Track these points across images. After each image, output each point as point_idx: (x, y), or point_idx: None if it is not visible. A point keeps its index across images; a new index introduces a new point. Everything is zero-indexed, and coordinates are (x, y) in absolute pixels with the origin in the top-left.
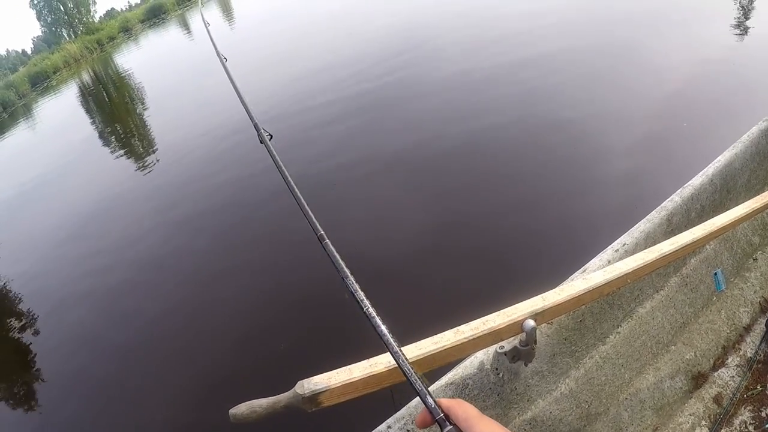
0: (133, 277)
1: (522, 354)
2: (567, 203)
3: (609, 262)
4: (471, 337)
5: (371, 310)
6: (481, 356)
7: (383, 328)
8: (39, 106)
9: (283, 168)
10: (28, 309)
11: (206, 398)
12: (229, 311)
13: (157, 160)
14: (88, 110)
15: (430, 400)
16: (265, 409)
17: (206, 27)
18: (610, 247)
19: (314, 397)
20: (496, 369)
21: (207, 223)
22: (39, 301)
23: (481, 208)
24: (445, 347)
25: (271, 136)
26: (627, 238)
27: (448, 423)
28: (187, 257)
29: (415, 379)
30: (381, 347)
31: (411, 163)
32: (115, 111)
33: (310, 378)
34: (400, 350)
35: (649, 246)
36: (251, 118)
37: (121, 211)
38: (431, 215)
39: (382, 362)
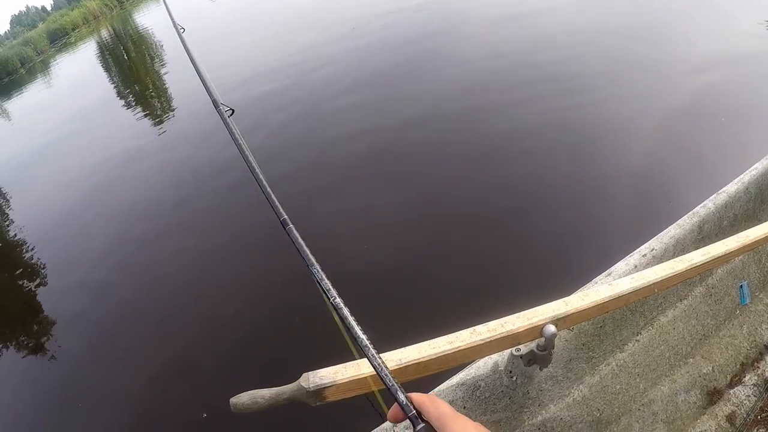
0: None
1: (538, 358)
2: (593, 202)
3: (636, 267)
4: (488, 339)
5: (339, 300)
6: (496, 357)
7: (351, 320)
8: (57, 62)
9: (245, 146)
10: (40, 260)
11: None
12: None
13: (174, 116)
14: (106, 67)
15: (401, 396)
16: (267, 401)
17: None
18: (637, 251)
19: (319, 392)
20: (510, 372)
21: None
22: (51, 252)
23: (503, 203)
24: (460, 348)
25: (233, 111)
26: (656, 243)
27: (420, 420)
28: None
29: (386, 374)
30: (394, 344)
31: (431, 150)
32: (133, 68)
33: (316, 371)
34: (366, 340)
35: (678, 253)
36: (209, 91)
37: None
38: (452, 207)
39: (393, 359)
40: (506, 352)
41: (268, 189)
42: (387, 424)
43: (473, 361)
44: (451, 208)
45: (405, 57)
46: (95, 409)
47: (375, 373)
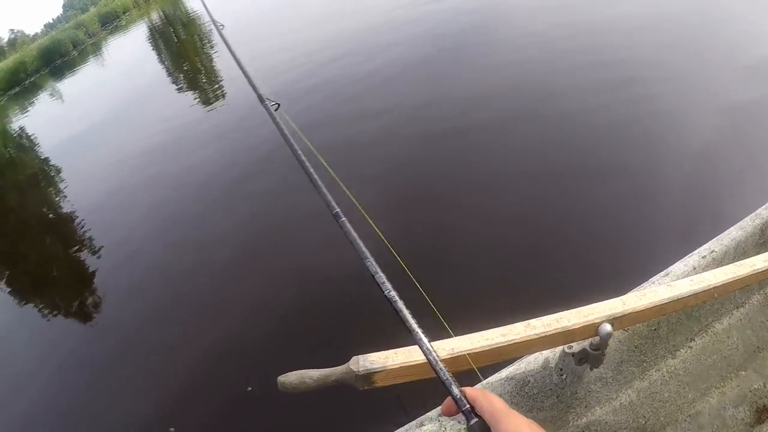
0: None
1: (590, 358)
2: (650, 198)
3: (694, 269)
4: (542, 334)
5: (393, 293)
6: (547, 354)
7: (406, 313)
8: (108, 45)
9: (290, 138)
10: (92, 233)
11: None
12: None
13: (224, 97)
14: (156, 50)
15: (456, 390)
16: (315, 382)
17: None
18: (696, 252)
19: (368, 376)
20: (561, 369)
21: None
22: (103, 226)
23: (561, 199)
24: (514, 341)
25: (278, 105)
26: (716, 245)
27: (473, 415)
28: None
29: (441, 367)
30: (448, 332)
31: (492, 135)
32: (183, 51)
33: (367, 355)
34: (421, 333)
35: (739, 257)
36: (254, 87)
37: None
38: (509, 201)
39: (445, 348)
40: (558, 349)
41: (320, 182)
42: (432, 413)
43: (524, 355)
44: (508, 202)
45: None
46: (143, 376)
47: (422, 361)
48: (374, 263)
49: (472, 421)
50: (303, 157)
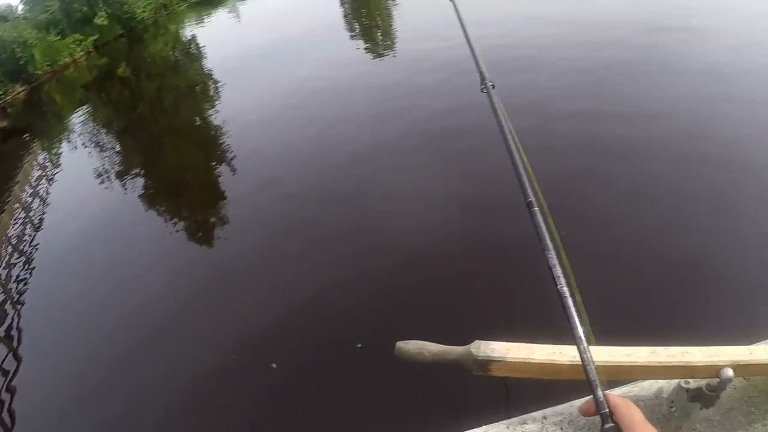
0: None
1: (704, 397)
2: None
3: None
4: (665, 364)
5: (565, 289)
6: (662, 383)
7: (576, 318)
8: None
9: (503, 121)
10: (236, 153)
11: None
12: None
13: (395, 57)
14: None
15: (600, 393)
16: (433, 356)
17: None
18: None
19: (486, 363)
20: (672, 402)
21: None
22: (248, 149)
23: (705, 237)
24: (636, 363)
25: (494, 86)
26: None
27: (610, 420)
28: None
29: (591, 368)
30: (567, 337)
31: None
32: None
33: (489, 342)
34: (581, 331)
35: None
36: (477, 65)
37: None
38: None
39: (567, 354)
40: (674, 382)
41: (521, 168)
42: (537, 414)
43: (641, 380)
44: (665, 239)
45: None
46: (254, 301)
47: (547, 361)
48: (555, 256)
49: (607, 425)
50: (511, 142)
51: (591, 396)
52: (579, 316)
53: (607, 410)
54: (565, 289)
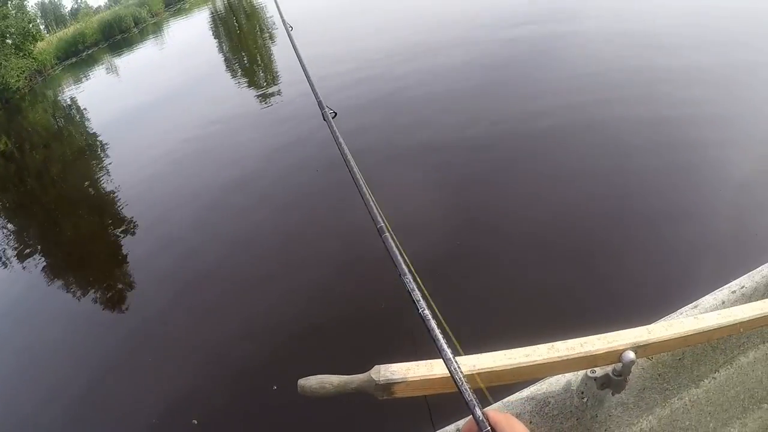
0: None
1: (612, 383)
2: (683, 229)
3: (723, 303)
4: (565, 357)
5: (427, 312)
6: (569, 376)
7: (437, 332)
8: (169, 26)
9: (345, 149)
10: (131, 213)
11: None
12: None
13: (280, 92)
14: (216, 36)
15: (478, 412)
16: (335, 388)
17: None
18: (726, 286)
19: (389, 386)
20: (582, 393)
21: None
22: (142, 208)
23: (593, 223)
24: (537, 362)
25: (335, 114)
26: (746, 281)
27: None
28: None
29: (466, 389)
30: (466, 347)
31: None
32: (243, 40)
33: (388, 365)
34: (453, 358)
35: None
36: (315, 94)
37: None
38: (534, 222)
39: (467, 364)
40: (580, 373)
41: (368, 195)
42: (450, 428)
43: (546, 377)
44: (533, 222)
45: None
46: (166, 361)
47: (448, 375)
48: (411, 280)
49: None
50: (356, 169)
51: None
52: (445, 336)
53: (489, 428)
54: (427, 312)
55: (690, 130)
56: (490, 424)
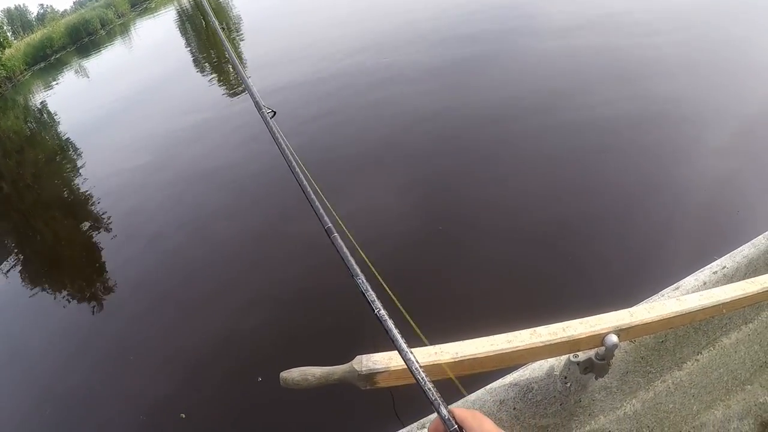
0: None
1: (595, 367)
2: (664, 211)
3: (705, 284)
4: (548, 342)
5: (383, 312)
6: (552, 362)
7: (395, 331)
8: (136, 26)
9: (286, 148)
10: (105, 214)
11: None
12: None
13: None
14: (184, 34)
15: (444, 411)
16: (318, 379)
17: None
18: (708, 267)
19: (371, 376)
20: (565, 378)
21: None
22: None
23: (572, 206)
24: (519, 347)
25: (274, 113)
26: (728, 261)
27: None
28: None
29: (429, 388)
30: (450, 335)
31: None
32: (211, 38)
33: (370, 355)
34: (410, 353)
35: (750, 274)
36: (251, 94)
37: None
38: (518, 207)
39: (449, 352)
40: (563, 358)
41: (313, 195)
42: (414, 426)
43: (529, 362)
44: (521, 211)
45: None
46: (147, 362)
47: (430, 363)
48: (365, 281)
49: None
50: (297, 169)
51: (437, 415)
52: (403, 334)
53: (456, 426)
54: (383, 312)
55: (667, 107)
56: (457, 422)
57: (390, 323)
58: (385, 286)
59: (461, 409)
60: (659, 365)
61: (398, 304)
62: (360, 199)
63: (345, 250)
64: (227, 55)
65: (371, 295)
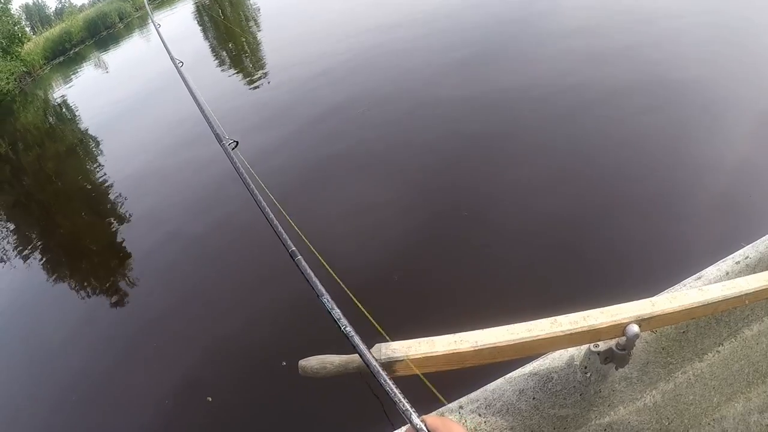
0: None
1: (616, 357)
2: (686, 200)
3: (728, 274)
4: (568, 332)
5: (349, 328)
6: (572, 351)
7: (362, 347)
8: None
9: (247, 177)
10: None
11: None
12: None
13: (268, 82)
14: (202, 26)
15: (416, 420)
16: (336, 368)
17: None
18: (730, 257)
19: (390, 364)
20: (585, 368)
21: None
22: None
23: (593, 198)
24: (539, 337)
25: (237, 143)
26: (751, 251)
27: None
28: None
29: (399, 399)
30: (468, 323)
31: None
32: (229, 29)
33: (389, 343)
34: (379, 366)
35: None
36: (211, 126)
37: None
38: (541, 199)
39: (469, 340)
40: (584, 347)
41: (276, 221)
42: (477, 394)
43: (549, 352)
44: (545, 200)
45: None
46: (173, 347)
47: (450, 351)
48: (330, 300)
49: None
50: (260, 197)
51: (409, 425)
52: (368, 349)
53: None
54: (350, 329)
55: (688, 94)
56: (429, 430)
57: (357, 339)
58: (357, 303)
59: (432, 417)
60: (680, 356)
61: (368, 316)
62: (365, 200)
63: (309, 271)
64: (187, 88)
65: (337, 313)
